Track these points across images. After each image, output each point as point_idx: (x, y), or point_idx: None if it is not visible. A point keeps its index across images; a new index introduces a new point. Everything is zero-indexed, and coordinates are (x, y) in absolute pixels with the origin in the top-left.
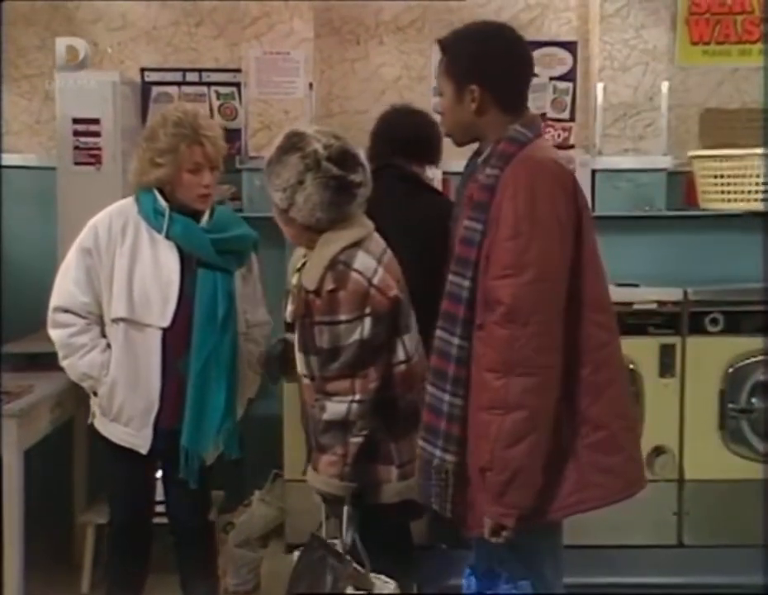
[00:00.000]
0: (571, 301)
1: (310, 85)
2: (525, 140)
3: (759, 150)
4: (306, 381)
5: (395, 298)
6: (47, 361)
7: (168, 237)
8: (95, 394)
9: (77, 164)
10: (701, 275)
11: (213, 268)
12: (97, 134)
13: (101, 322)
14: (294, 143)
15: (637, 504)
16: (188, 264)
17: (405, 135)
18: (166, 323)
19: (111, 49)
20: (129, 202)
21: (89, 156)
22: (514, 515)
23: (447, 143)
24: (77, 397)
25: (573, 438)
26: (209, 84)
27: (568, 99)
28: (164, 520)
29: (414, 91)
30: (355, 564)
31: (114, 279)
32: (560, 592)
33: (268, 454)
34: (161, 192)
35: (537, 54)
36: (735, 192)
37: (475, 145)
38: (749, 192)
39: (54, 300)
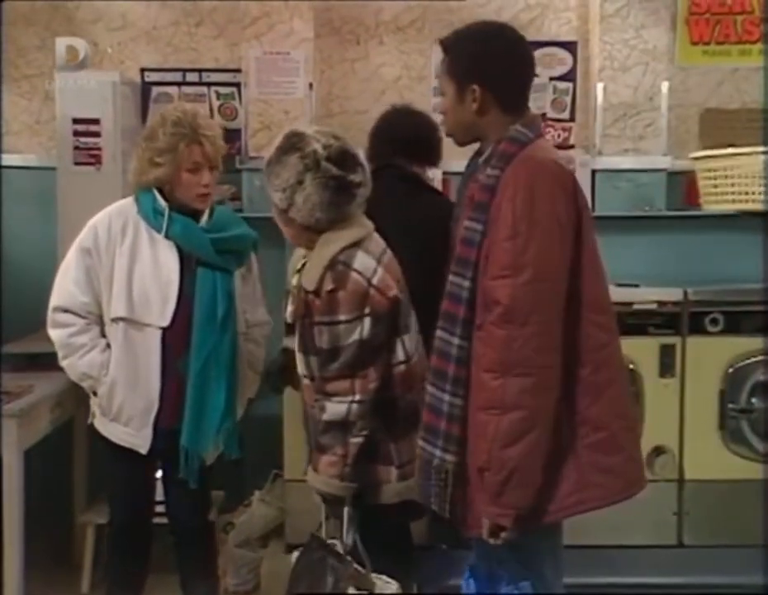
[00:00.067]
0: (571, 301)
1: (310, 85)
2: (526, 140)
3: (759, 150)
4: (306, 381)
5: (395, 298)
6: (47, 361)
7: (167, 237)
8: (95, 394)
9: (77, 164)
10: (701, 275)
11: (213, 267)
12: (97, 134)
13: (100, 322)
14: (293, 143)
15: (637, 504)
16: (188, 264)
17: (405, 136)
18: (166, 323)
19: (111, 49)
20: (128, 202)
21: (89, 156)
22: (512, 515)
23: (447, 143)
24: (77, 397)
25: (573, 438)
26: (209, 84)
27: (568, 99)
28: (164, 520)
29: (414, 91)
30: (356, 565)
31: (114, 279)
32: (560, 592)
33: (268, 454)
34: (161, 191)
35: (537, 54)
36: (735, 193)
37: (476, 145)
38: (749, 192)
39: (54, 300)
